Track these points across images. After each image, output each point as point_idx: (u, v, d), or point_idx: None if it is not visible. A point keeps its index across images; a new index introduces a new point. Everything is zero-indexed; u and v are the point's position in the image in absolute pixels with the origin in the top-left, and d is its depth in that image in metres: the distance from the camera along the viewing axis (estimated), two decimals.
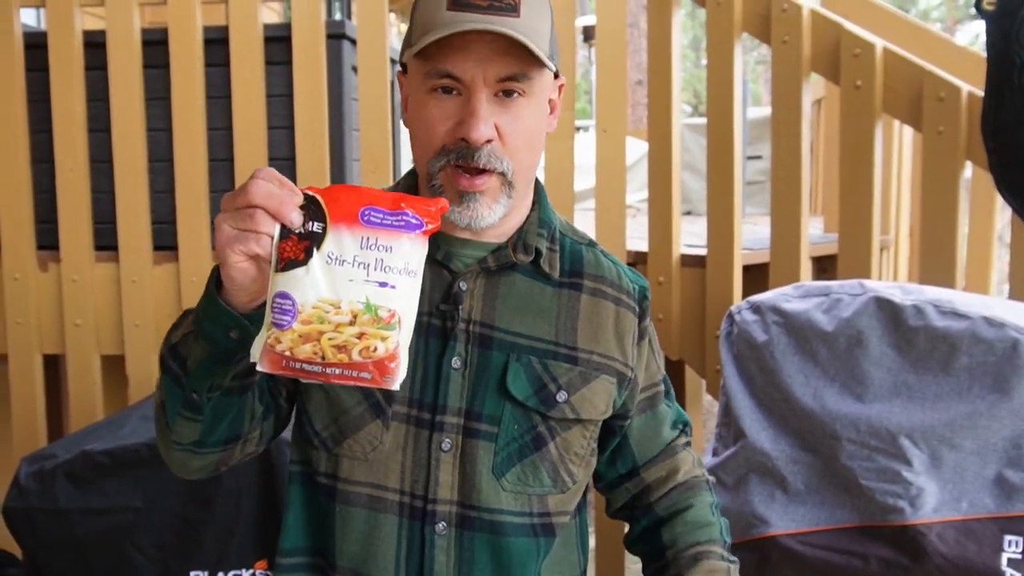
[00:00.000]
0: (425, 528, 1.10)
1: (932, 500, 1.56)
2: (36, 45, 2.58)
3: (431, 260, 1.11)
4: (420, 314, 1.09)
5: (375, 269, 0.89)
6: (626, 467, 1.26)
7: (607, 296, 1.18)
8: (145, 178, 2.58)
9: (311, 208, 0.89)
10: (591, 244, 1.24)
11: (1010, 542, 1.52)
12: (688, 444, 1.29)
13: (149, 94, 2.58)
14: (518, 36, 1.01)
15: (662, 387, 1.26)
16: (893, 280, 3.49)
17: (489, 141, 1.05)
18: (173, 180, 2.57)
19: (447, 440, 1.10)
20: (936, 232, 2.01)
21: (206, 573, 1.97)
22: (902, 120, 2.15)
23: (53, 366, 2.85)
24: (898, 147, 3.34)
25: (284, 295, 0.88)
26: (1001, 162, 1.38)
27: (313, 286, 0.88)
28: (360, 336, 0.89)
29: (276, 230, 0.88)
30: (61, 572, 2.02)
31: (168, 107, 2.56)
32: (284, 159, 2.58)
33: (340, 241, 0.89)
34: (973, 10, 1.36)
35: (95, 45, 2.57)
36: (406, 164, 3.20)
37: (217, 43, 2.54)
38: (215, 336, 0.95)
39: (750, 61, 18.62)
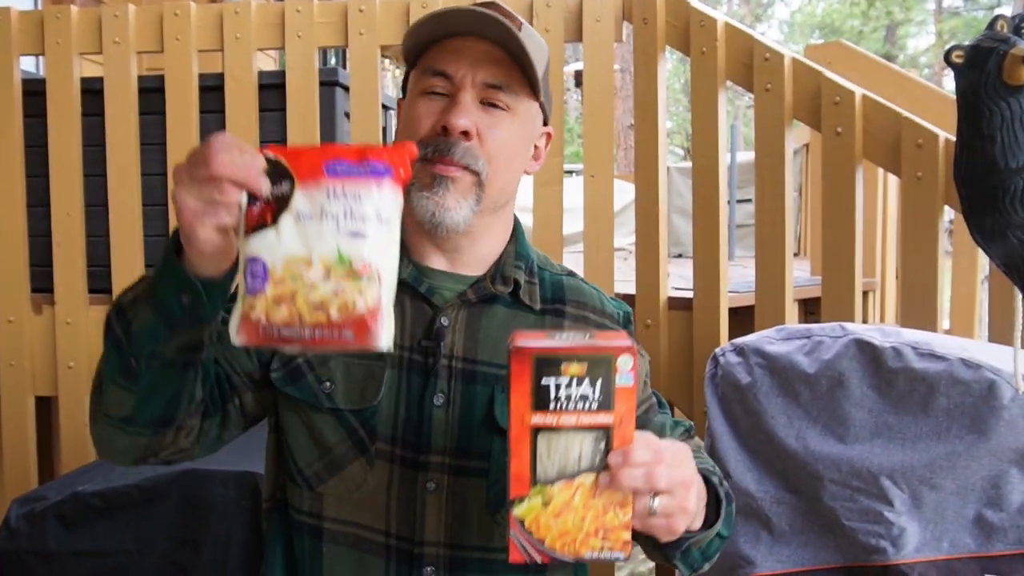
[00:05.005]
0: (413, 572, 1.09)
1: (914, 540, 1.57)
2: (35, 92, 2.63)
3: (413, 293, 1.13)
4: (402, 350, 1.11)
5: (345, 218, 0.85)
6: None
7: (590, 322, 1.18)
8: (140, 222, 2.62)
9: (275, 170, 0.86)
10: (571, 274, 1.25)
11: None
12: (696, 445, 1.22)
13: (145, 139, 2.62)
14: (514, 30, 1.07)
15: (654, 399, 1.23)
16: (880, 322, 3.53)
17: (466, 134, 1.08)
18: (167, 224, 2.61)
19: (432, 481, 1.09)
20: (917, 275, 2.04)
21: None
22: (882, 166, 2.19)
23: (44, 407, 2.86)
24: (883, 191, 3.38)
25: (254, 259, 0.85)
26: (973, 208, 1.41)
27: (283, 245, 0.85)
28: (336, 292, 0.84)
29: (243, 197, 0.86)
30: None
31: (163, 152, 2.60)
32: None
33: (307, 197, 0.86)
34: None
35: (93, 92, 2.62)
36: None
37: (213, 90, 2.59)
38: (166, 299, 0.91)
39: (741, 105, 18.83)
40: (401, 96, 1.20)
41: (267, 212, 0.86)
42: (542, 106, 1.18)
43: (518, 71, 1.11)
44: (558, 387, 0.85)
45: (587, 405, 0.86)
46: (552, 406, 0.86)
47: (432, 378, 1.11)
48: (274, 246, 0.85)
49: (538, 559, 0.88)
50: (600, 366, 0.86)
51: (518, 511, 0.87)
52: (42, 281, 2.67)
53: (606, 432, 0.87)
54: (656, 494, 0.88)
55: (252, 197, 0.86)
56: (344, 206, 0.85)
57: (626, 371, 0.86)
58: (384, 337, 0.86)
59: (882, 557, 1.58)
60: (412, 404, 1.11)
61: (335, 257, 0.85)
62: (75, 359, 2.62)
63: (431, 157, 1.08)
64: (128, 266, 2.60)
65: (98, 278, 2.65)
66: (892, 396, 1.61)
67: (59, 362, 2.63)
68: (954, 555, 1.56)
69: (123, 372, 0.97)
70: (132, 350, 0.95)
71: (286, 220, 0.85)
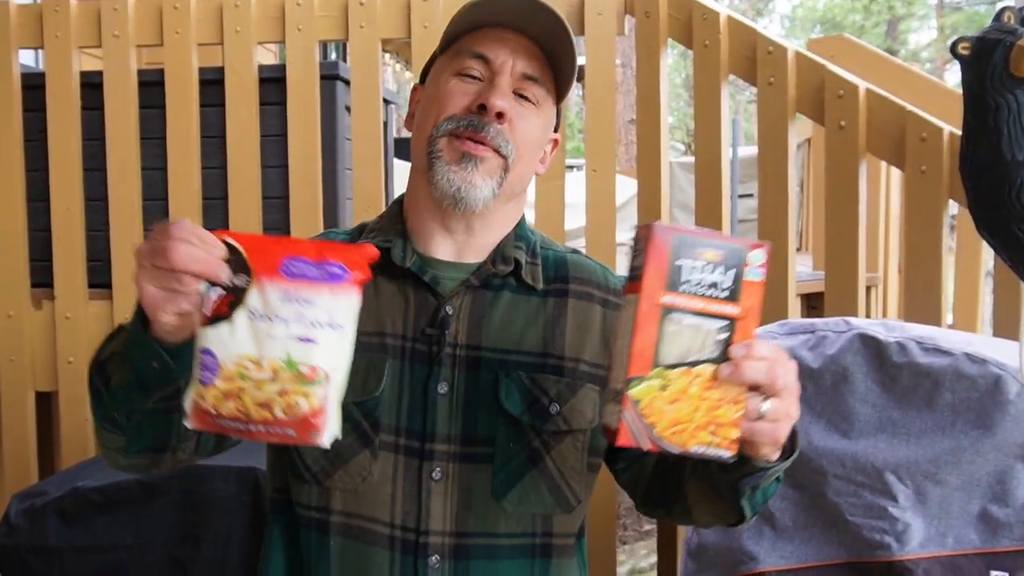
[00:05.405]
0: (418, 562, 1.08)
1: (918, 536, 1.56)
2: (34, 86, 2.62)
3: (417, 283, 1.13)
4: (404, 340, 1.11)
5: (296, 323, 0.87)
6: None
7: (594, 298, 1.18)
8: (140, 217, 2.61)
9: (234, 259, 0.88)
10: (574, 252, 1.26)
11: None
12: None
13: (145, 134, 2.61)
14: (567, 25, 1.09)
15: None
16: (882, 317, 3.52)
17: (501, 115, 1.09)
18: (167, 218, 2.59)
19: (438, 469, 1.09)
20: (920, 270, 2.03)
21: None
22: (885, 160, 2.18)
23: (44, 402, 2.85)
24: (885, 185, 3.37)
25: (207, 351, 0.88)
26: (979, 202, 1.40)
27: (236, 342, 0.87)
28: (282, 393, 0.87)
29: (203, 286, 0.87)
30: None
31: (163, 146, 2.59)
32: (277, 198, 2.61)
33: (262, 295, 0.87)
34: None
35: (92, 86, 2.61)
36: None
37: (213, 84, 2.58)
38: (137, 363, 0.94)
39: (743, 100, 18.80)
40: (419, 82, 1.21)
41: (224, 303, 0.88)
42: (558, 112, 1.19)
43: (551, 72, 1.13)
44: (692, 269, 0.86)
45: (716, 293, 0.87)
46: (683, 288, 0.86)
47: (436, 367, 1.11)
48: (227, 342, 0.87)
49: (646, 446, 0.87)
50: (734, 255, 0.87)
51: (635, 391, 0.86)
52: (42, 276, 2.66)
53: (730, 324, 0.87)
54: (767, 396, 0.88)
55: (211, 284, 0.88)
56: (296, 312, 0.87)
57: (756, 265, 0.88)
58: (326, 435, 0.88)
59: (886, 553, 1.57)
60: (415, 393, 1.10)
61: (284, 362, 0.87)
62: (75, 354, 2.61)
63: (462, 132, 1.09)
64: (128, 261, 2.58)
65: (98, 272, 2.64)
66: (896, 391, 1.60)
67: (59, 357, 2.62)
68: (959, 551, 1.55)
69: (107, 420, 1.02)
70: (112, 404, 0.99)
71: (240, 315, 0.88)
